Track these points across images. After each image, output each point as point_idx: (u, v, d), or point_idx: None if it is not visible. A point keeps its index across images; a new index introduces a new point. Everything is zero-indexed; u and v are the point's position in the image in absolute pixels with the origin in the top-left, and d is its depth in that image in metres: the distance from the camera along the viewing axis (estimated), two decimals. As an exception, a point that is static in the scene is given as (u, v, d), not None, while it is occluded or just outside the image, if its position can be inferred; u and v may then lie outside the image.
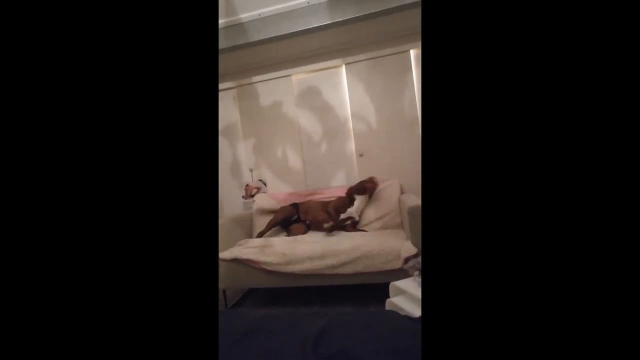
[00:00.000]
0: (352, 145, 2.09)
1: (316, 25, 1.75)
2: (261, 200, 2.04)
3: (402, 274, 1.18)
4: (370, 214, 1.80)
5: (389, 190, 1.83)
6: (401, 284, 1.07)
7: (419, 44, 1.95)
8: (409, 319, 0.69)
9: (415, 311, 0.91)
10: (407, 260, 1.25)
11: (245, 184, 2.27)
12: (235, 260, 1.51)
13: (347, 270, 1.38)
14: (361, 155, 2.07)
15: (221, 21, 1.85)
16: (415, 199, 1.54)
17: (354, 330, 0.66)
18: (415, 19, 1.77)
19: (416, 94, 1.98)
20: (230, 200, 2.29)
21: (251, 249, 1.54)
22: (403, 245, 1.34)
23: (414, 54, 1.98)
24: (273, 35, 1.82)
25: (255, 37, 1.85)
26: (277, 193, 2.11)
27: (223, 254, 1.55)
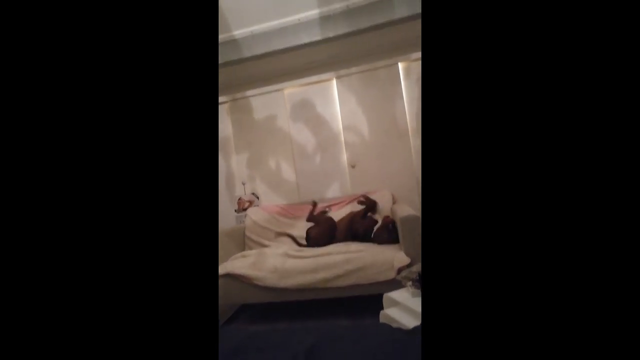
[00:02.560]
0: (344, 157, 2.11)
1: (307, 42, 1.80)
2: (254, 214, 2.03)
3: (395, 284, 1.17)
4: (364, 225, 1.80)
5: (381, 201, 1.83)
6: (395, 295, 1.06)
7: (407, 57, 2.01)
8: (402, 331, 0.68)
9: (409, 322, 0.90)
10: (400, 270, 1.24)
11: (238, 197, 2.26)
12: (228, 276, 1.49)
13: (341, 283, 1.36)
14: (353, 167, 2.09)
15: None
16: (407, 209, 1.55)
17: (346, 344, 0.65)
18: (403, 33, 1.83)
19: (405, 106, 2.03)
20: (223, 213, 2.27)
21: (243, 264, 1.52)
22: (396, 256, 1.34)
23: (402, 67, 2.04)
24: (265, 51, 1.86)
25: (247, 53, 1.89)
26: (270, 206, 2.09)
27: (215, 269, 1.52)
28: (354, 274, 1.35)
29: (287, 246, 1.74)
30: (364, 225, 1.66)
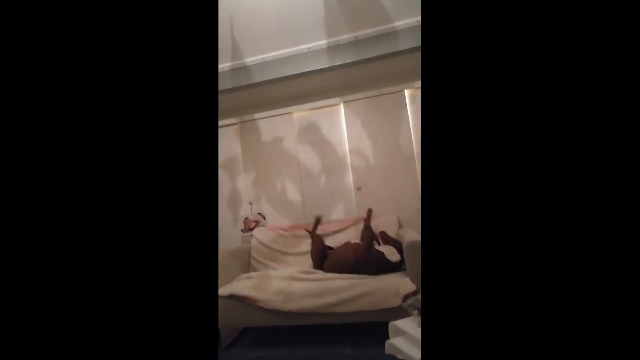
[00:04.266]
0: (350, 180, 2.14)
1: (317, 69, 1.88)
2: (260, 234, 2.04)
3: (401, 312, 1.15)
4: (370, 248, 1.78)
5: (386, 225, 1.83)
6: (400, 324, 1.04)
7: (413, 84, 2.07)
8: (407, 363, 0.67)
9: (416, 354, 0.88)
10: (406, 298, 1.22)
11: (245, 217, 2.28)
12: (233, 297, 1.48)
13: (346, 309, 1.34)
14: (359, 189, 2.11)
15: (228, 65, 1.99)
16: (413, 234, 1.54)
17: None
18: (409, 63, 1.90)
19: (412, 131, 2.07)
20: (229, 234, 2.29)
21: (248, 285, 1.52)
22: (402, 282, 1.32)
23: (409, 94, 2.10)
24: (276, 77, 1.95)
25: (259, 78, 1.98)
26: (277, 226, 2.10)
27: (220, 290, 1.52)
28: (360, 300, 1.33)
29: (294, 269, 1.73)
30: (372, 260, 1.52)
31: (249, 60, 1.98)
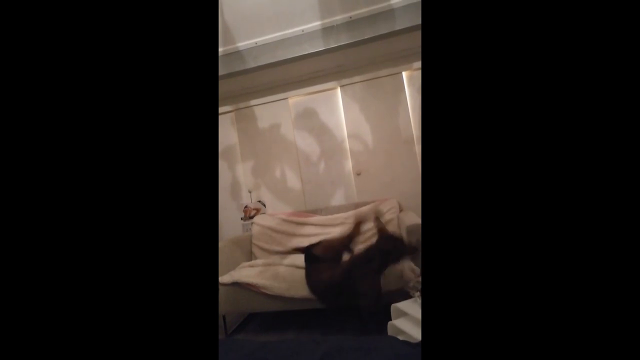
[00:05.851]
0: (349, 165, 2.12)
1: (311, 52, 1.83)
2: (262, 220, 2.04)
3: (403, 294, 1.17)
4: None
5: (387, 209, 1.83)
6: (402, 305, 1.06)
7: (411, 65, 2.02)
8: (409, 344, 0.68)
9: (417, 334, 0.90)
10: (408, 280, 1.24)
11: (244, 205, 2.28)
12: (236, 284, 1.50)
13: (348, 292, 1.36)
14: (358, 174, 2.10)
15: (219, 49, 1.93)
16: (414, 217, 1.55)
17: (354, 357, 0.65)
18: (406, 43, 1.85)
19: (410, 113, 2.04)
20: (230, 222, 2.29)
21: (251, 273, 1.53)
22: (404, 265, 1.34)
23: (406, 76, 2.05)
24: (269, 61, 1.89)
25: (252, 63, 1.92)
26: (277, 212, 2.11)
27: (223, 278, 1.53)
28: (361, 284, 1.35)
29: (296, 258, 1.75)
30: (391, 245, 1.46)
31: (241, 45, 1.92)
